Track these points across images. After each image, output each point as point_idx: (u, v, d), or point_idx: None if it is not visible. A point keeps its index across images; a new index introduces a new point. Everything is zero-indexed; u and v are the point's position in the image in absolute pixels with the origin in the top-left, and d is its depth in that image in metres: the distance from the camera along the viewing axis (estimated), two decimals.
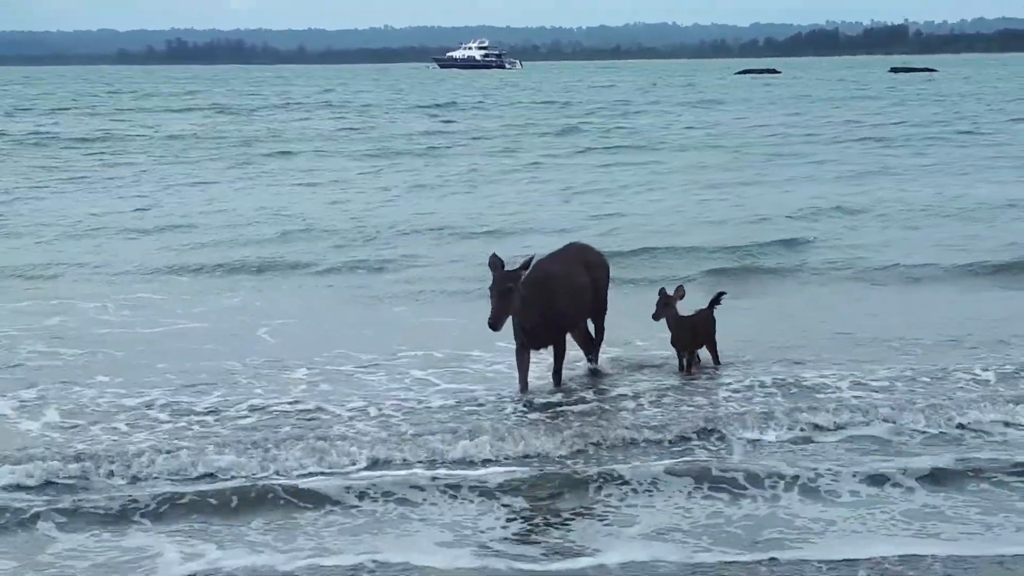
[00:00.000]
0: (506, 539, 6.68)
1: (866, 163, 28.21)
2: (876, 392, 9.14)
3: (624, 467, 7.54)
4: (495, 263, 9.11)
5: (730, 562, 6.35)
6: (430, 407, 8.92)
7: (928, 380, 9.47)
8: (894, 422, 8.43)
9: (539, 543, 6.63)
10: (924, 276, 14.28)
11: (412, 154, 33.21)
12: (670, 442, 8.12)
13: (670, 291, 9.82)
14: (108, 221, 19.80)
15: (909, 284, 13.93)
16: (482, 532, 6.77)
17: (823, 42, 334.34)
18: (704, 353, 10.04)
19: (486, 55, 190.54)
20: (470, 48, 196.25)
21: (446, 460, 7.75)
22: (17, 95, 75.75)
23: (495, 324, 8.91)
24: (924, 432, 8.34)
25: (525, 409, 8.87)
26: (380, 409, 8.83)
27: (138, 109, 58.72)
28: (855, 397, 9.01)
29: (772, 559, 6.37)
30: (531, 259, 9.27)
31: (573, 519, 6.95)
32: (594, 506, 7.13)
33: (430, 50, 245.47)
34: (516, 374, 9.43)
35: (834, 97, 66.71)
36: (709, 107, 57.79)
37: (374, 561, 6.38)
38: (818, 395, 9.08)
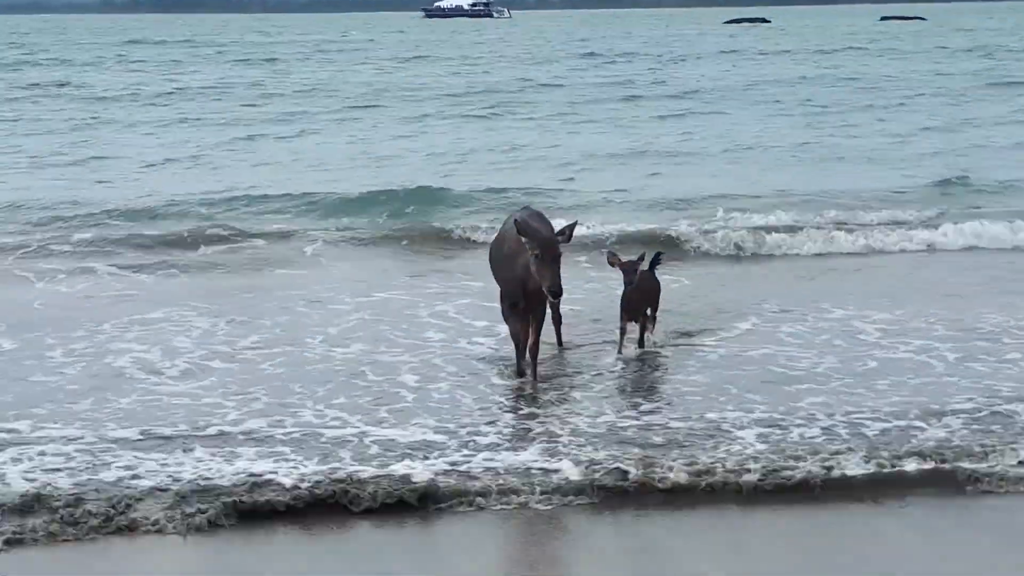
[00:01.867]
0: None
1: None
2: None
3: None
4: (526, 228, 8.84)
5: None
6: None
7: None
8: None
9: None
10: None
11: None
12: None
13: (623, 258, 9.83)
14: None
15: None
16: None
17: None
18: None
19: (474, 4, 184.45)
20: None
21: None
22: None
23: (561, 289, 8.76)
24: None
25: None
26: None
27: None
28: None
29: None
30: (574, 224, 9.24)
31: None
32: None
33: None
34: (516, 345, 9.43)
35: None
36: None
37: None
38: None
